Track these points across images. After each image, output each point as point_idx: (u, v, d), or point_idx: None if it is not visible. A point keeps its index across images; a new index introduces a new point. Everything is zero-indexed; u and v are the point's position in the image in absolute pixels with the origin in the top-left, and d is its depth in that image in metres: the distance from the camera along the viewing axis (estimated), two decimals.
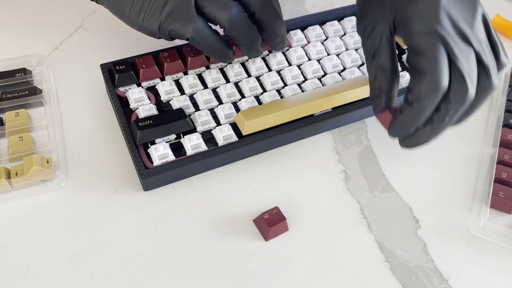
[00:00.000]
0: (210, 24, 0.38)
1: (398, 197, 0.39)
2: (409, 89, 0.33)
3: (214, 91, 0.42)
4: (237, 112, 0.40)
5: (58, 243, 0.34)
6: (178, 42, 0.48)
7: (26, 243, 0.34)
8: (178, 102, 0.40)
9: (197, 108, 0.41)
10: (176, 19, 0.36)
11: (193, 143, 0.38)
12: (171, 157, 0.37)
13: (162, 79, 0.42)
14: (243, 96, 0.42)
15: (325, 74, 0.45)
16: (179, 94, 0.41)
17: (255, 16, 0.39)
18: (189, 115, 0.40)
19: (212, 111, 0.41)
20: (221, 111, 0.40)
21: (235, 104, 0.41)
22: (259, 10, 0.38)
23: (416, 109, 0.33)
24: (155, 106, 0.40)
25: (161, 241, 0.35)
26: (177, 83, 0.42)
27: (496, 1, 0.59)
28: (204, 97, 0.41)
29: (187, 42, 0.44)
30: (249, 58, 0.43)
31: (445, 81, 0.32)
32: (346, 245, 0.36)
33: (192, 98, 0.42)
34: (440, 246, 0.37)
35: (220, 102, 0.42)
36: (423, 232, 0.37)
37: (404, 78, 0.44)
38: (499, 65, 0.34)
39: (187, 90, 0.41)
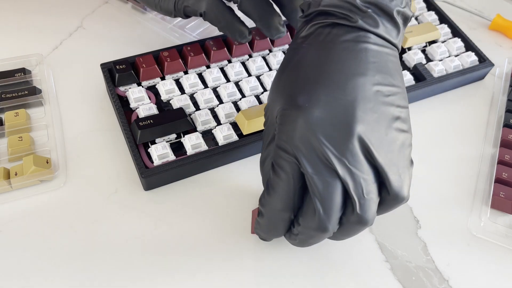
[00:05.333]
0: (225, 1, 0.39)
1: None
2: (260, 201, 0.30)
3: (215, 90, 0.42)
4: (238, 112, 0.40)
5: (58, 243, 0.34)
6: (177, 41, 0.48)
7: (26, 243, 0.34)
8: (179, 101, 0.40)
9: (197, 107, 0.41)
10: None
11: (193, 143, 0.37)
12: (171, 156, 0.37)
13: (163, 78, 0.42)
14: (243, 96, 0.42)
15: None
16: (180, 93, 0.41)
17: None
18: (190, 114, 0.40)
19: (212, 111, 0.41)
20: (221, 111, 0.40)
21: (235, 104, 0.41)
22: None
23: (265, 221, 0.30)
24: (156, 106, 0.40)
25: (161, 241, 0.35)
26: (178, 83, 0.42)
27: (496, 1, 0.59)
28: (205, 97, 0.41)
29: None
30: (271, 38, 0.41)
31: (290, 202, 0.28)
32: (346, 245, 0.36)
33: (192, 97, 0.42)
34: (441, 246, 0.36)
35: (221, 101, 0.42)
36: (423, 232, 0.37)
37: (405, 77, 0.44)
38: (390, 193, 0.28)
39: (188, 90, 0.41)
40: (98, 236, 0.35)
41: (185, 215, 0.36)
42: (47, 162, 0.37)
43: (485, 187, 0.40)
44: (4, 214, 0.35)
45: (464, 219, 0.38)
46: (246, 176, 0.39)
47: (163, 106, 0.41)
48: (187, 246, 0.35)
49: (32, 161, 0.36)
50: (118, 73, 0.40)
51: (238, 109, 0.41)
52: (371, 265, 0.35)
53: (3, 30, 0.48)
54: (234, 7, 0.39)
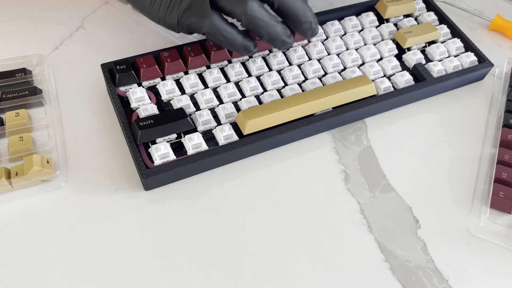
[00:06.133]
0: (227, 17, 0.38)
1: (398, 197, 0.39)
2: None
3: (215, 90, 0.42)
4: (238, 112, 0.40)
5: (58, 243, 0.34)
6: (178, 41, 0.49)
7: (26, 243, 0.34)
8: (179, 101, 0.40)
9: (197, 107, 0.41)
10: (192, 14, 0.37)
11: (193, 143, 0.38)
12: (171, 156, 0.37)
13: (163, 78, 0.42)
14: (243, 96, 0.42)
15: (326, 73, 0.45)
16: (180, 93, 0.41)
17: (275, 5, 0.39)
18: (190, 114, 0.40)
19: (212, 111, 0.41)
20: (221, 111, 0.40)
21: (235, 104, 0.41)
22: None
23: None
24: (156, 106, 0.40)
25: (161, 241, 0.35)
26: (178, 83, 0.42)
27: (496, 1, 0.59)
28: (205, 97, 0.41)
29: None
30: (280, 50, 0.41)
31: None
32: (346, 245, 0.36)
33: (192, 97, 0.42)
34: (440, 246, 0.37)
35: (221, 101, 0.42)
36: (423, 232, 0.37)
37: (405, 77, 0.44)
38: None
39: (188, 90, 0.41)
40: (98, 236, 0.35)
41: (185, 215, 0.36)
42: (48, 162, 0.37)
43: (484, 187, 0.40)
44: (4, 214, 0.35)
45: (463, 219, 0.38)
46: (246, 176, 0.39)
47: (163, 106, 0.41)
48: (187, 246, 0.35)
49: (32, 161, 0.36)
50: (119, 73, 0.40)
51: (238, 109, 0.41)
52: (371, 265, 0.35)
53: (4, 31, 0.48)
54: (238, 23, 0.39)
